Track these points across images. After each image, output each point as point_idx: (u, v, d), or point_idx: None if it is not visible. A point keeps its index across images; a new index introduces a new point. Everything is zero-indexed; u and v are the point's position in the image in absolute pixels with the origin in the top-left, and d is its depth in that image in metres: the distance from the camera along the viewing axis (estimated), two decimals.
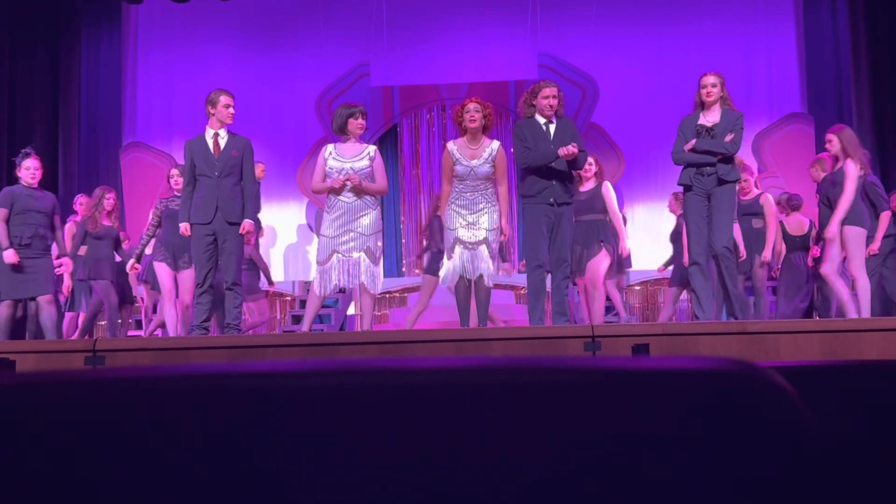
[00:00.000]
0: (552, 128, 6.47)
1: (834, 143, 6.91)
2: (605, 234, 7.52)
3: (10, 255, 7.09)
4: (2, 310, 7.25)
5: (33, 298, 7.33)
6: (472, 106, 6.51)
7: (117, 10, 12.58)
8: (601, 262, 7.49)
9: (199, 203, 6.59)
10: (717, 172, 6.24)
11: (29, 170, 7.35)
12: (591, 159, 7.58)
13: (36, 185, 7.38)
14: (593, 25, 13.32)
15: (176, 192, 7.78)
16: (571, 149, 6.23)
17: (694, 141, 6.30)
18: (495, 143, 6.56)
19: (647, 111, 12.68)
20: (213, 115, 6.70)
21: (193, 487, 0.63)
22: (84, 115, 11.64)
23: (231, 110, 6.71)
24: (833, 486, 0.62)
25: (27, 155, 7.42)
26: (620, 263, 8.19)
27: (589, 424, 0.63)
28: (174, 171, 8.07)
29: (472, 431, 0.63)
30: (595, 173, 7.69)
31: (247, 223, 6.61)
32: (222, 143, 6.67)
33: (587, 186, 7.63)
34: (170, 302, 7.67)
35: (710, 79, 6.45)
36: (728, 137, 6.23)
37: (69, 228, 8.72)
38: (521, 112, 6.66)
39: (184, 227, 6.64)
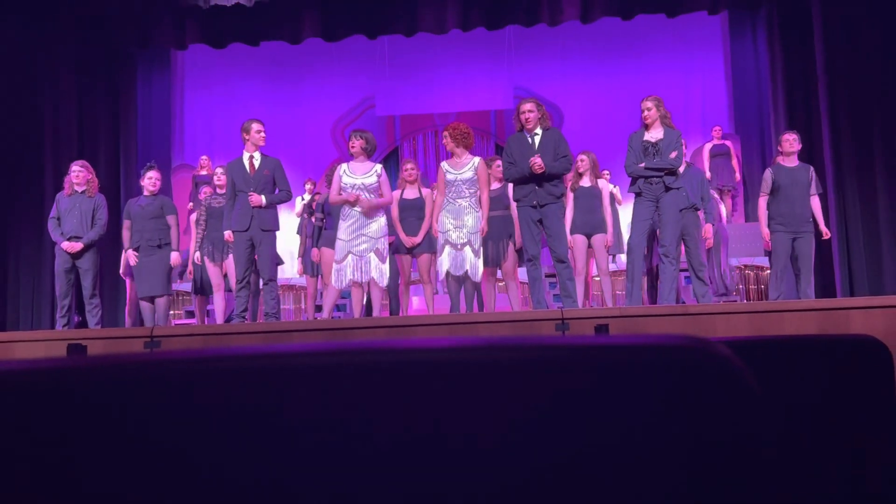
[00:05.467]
0: (537, 139, 6.32)
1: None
2: (512, 228, 7.02)
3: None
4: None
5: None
6: (444, 133, 6.70)
7: (167, 55, 12.57)
8: (512, 255, 7.06)
9: (238, 214, 6.62)
10: (664, 182, 6.25)
11: (151, 179, 7.42)
12: (500, 162, 7.15)
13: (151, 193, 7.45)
14: (559, 61, 13.37)
15: (218, 190, 7.83)
16: (536, 161, 6.10)
17: (643, 165, 6.29)
18: (476, 159, 6.70)
19: (604, 131, 12.67)
20: (248, 139, 6.72)
21: (227, 457, 0.63)
22: (140, 142, 11.60)
23: (262, 134, 6.73)
24: (773, 450, 0.62)
25: (150, 167, 7.49)
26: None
27: (559, 396, 0.62)
28: (218, 170, 8.10)
29: (460, 402, 0.63)
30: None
31: (255, 196, 6.55)
32: (256, 163, 6.69)
33: (495, 186, 7.13)
34: (219, 294, 7.63)
35: (647, 103, 6.44)
36: (672, 154, 6.24)
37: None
38: (515, 128, 6.55)
39: (227, 234, 6.70)
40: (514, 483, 0.62)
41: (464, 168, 6.58)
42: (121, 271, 8.29)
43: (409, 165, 7.50)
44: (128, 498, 0.62)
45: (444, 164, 6.72)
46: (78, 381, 0.63)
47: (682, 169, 7.14)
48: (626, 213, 10.49)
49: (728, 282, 8.73)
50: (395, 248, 7.25)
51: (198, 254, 7.68)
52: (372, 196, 6.52)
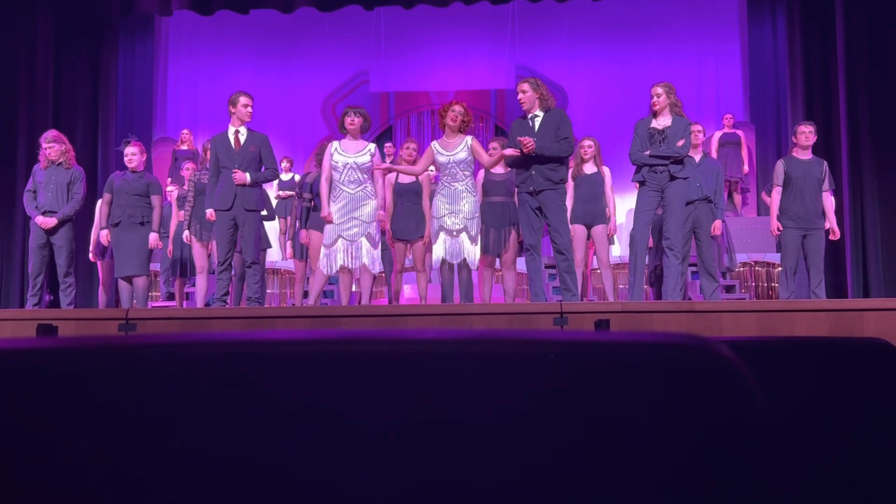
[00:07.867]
0: (538, 121, 6.28)
1: None
2: (516, 216, 6.79)
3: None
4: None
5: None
6: (458, 108, 6.56)
7: (150, 21, 12.52)
8: (513, 245, 6.87)
9: (221, 192, 6.60)
10: (669, 170, 6.24)
11: (128, 156, 7.34)
12: (495, 144, 7.08)
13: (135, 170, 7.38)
14: (565, 40, 13.34)
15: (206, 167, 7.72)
16: (524, 142, 6.04)
17: (648, 152, 6.28)
18: (469, 137, 6.59)
19: (610, 116, 12.66)
20: (234, 113, 6.69)
21: (206, 440, 0.63)
22: (120, 112, 11.55)
23: (249, 109, 6.71)
24: (772, 447, 0.62)
25: (128, 142, 7.42)
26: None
27: (553, 392, 0.62)
28: (207, 145, 7.94)
29: (454, 394, 0.63)
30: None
31: (239, 174, 6.55)
32: (242, 139, 6.67)
33: (500, 170, 6.93)
34: (202, 276, 7.59)
35: (657, 89, 6.41)
36: (679, 143, 6.22)
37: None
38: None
39: (209, 213, 6.67)
40: (505, 480, 0.62)
41: (456, 149, 6.51)
42: (90, 254, 8.01)
43: (412, 145, 7.44)
44: (91, 487, 0.62)
45: (435, 145, 6.60)
46: (45, 363, 0.63)
47: (697, 159, 7.12)
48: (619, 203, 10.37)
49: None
50: (391, 235, 7.24)
51: (186, 232, 7.66)
52: (363, 176, 6.50)
